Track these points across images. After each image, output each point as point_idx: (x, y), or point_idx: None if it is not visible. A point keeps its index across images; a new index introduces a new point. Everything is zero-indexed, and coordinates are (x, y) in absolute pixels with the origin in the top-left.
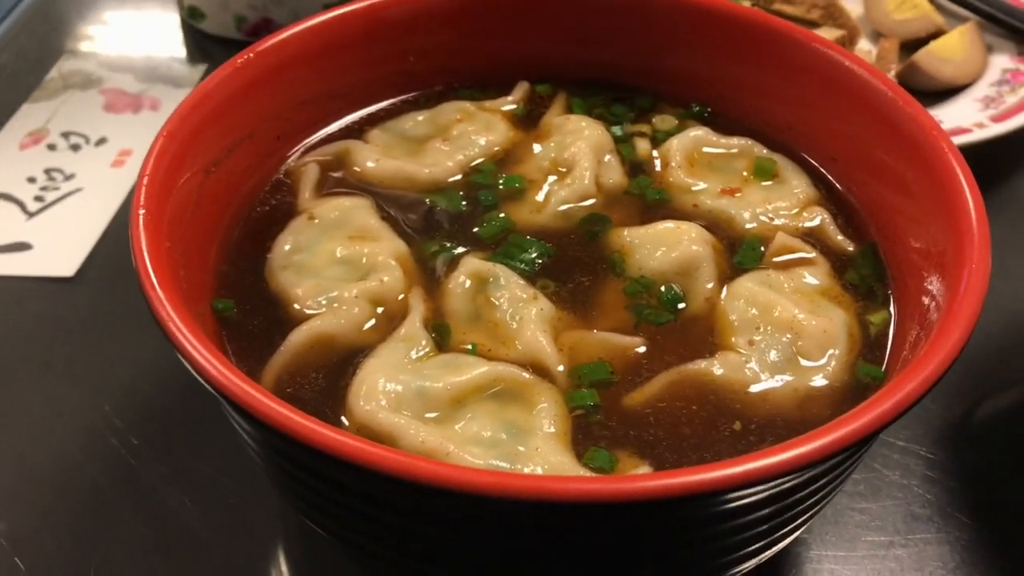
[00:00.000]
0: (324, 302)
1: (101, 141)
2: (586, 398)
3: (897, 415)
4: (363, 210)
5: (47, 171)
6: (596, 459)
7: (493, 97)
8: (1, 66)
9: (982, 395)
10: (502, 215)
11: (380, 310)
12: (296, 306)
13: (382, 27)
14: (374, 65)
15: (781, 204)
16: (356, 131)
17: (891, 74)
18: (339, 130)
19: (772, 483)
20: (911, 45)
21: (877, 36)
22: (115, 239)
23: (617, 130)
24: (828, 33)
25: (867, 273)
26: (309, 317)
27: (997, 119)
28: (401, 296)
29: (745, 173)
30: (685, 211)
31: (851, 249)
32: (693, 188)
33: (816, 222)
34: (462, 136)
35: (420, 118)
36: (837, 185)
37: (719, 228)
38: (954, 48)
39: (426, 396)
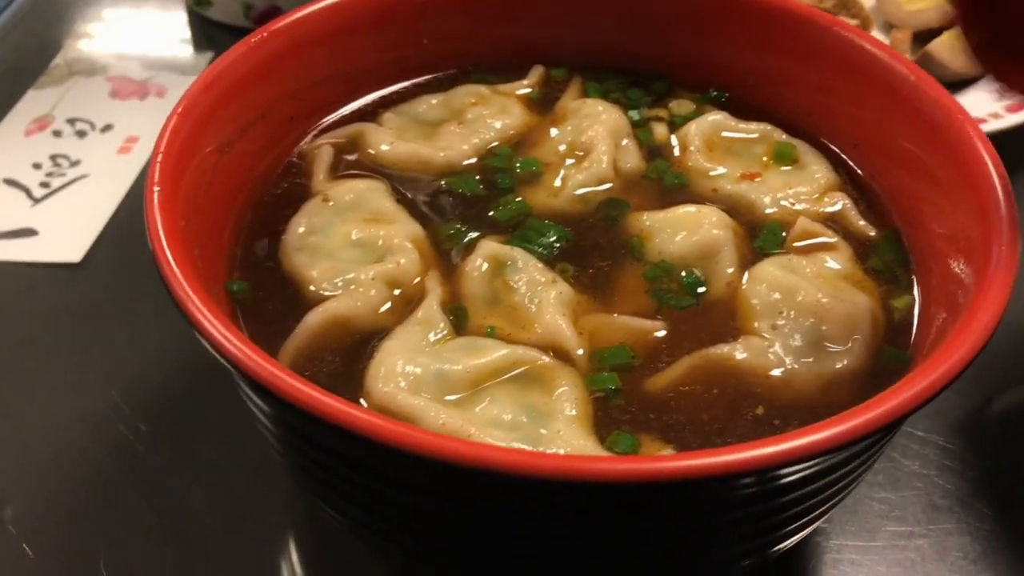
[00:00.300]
0: (340, 284)
1: (107, 127)
2: (607, 381)
3: (930, 397)
4: (378, 192)
5: (53, 157)
6: (620, 443)
7: (508, 81)
8: (6, 52)
9: (1001, 386)
10: (519, 199)
11: (397, 292)
12: (311, 288)
13: (396, 9)
14: (388, 47)
15: (802, 189)
16: (369, 114)
17: None
18: (352, 112)
19: (801, 465)
20: (924, 35)
21: (890, 27)
22: (122, 225)
23: (634, 114)
24: None
25: (890, 259)
26: (325, 299)
27: (1012, 109)
28: (417, 279)
29: (765, 158)
30: (704, 195)
31: (873, 234)
32: (712, 173)
33: (838, 207)
34: (477, 119)
35: (434, 101)
36: (858, 171)
37: (739, 213)
38: None
39: (445, 378)
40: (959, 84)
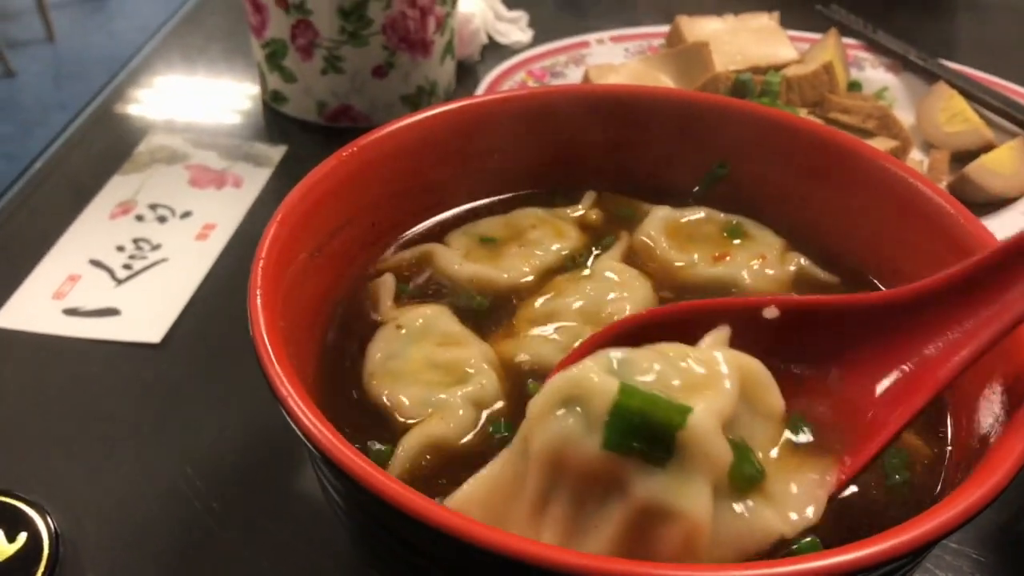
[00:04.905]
0: (430, 406)
1: (186, 214)
2: None
3: (965, 521)
4: (445, 316)
5: (135, 241)
6: None
7: (563, 205)
8: (97, 136)
9: None
10: None
11: (484, 413)
12: (400, 411)
13: (471, 127)
14: (462, 162)
15: (765, 258)
16: (443, 224)
17: (942, 185)
18: (429, 224)
19: None
20: (962, 157)
21: (929, 147)
22: (199, 309)
23: None
24: (882, 143)
25: None
26: (415, 421)
27: None
28: (499, 401)
29: (724, 234)
30: (688, 283)
31: (836, 282)
32: (686, 262)
33: (798, 265)
34: (536, 242)
35: (497, 222)
36: None
37: (724, 293)
38: (1004, 162)
39: None
40: (994, 206)
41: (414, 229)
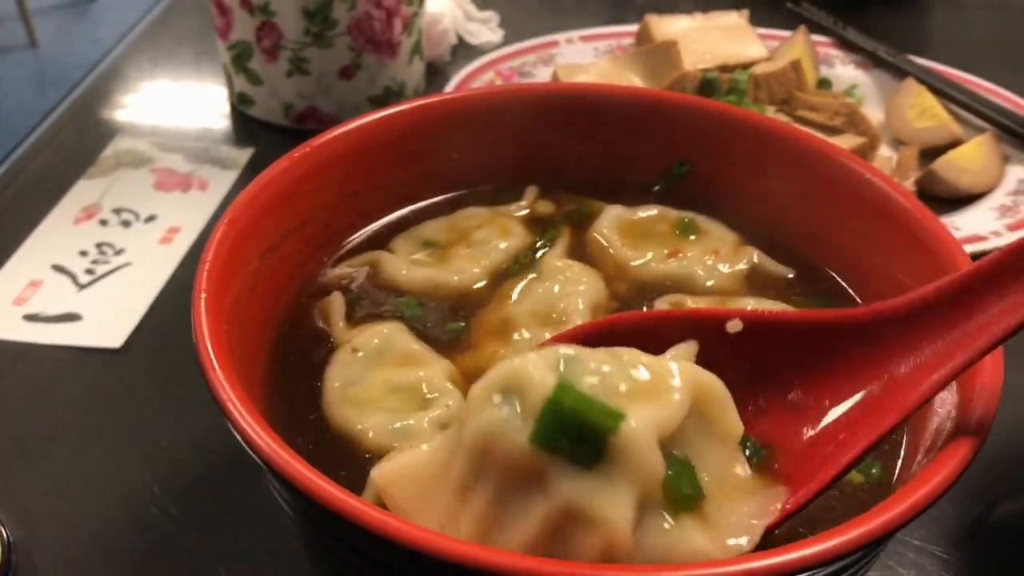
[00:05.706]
0: (395, 431)
1: (151, 218)
2: None
3: (914, 516)
4: (402, 334)
5: (98, 245)
6: None
7: (507, 202)
8: (61, 143)
9: (998, 496)
10: None
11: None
12: (364, 442)
13: (427, 126)
14: (417, 163)
15: (719, 253)
16: (395, 225)
17: (910, 181)
18: (383, 223)
19: None
20: (930, 152)
21: (897, 143)
22: (161, 313)
23: None
24: (849, 140)
25: None
26: (382, 446)
27: (1013, 228)
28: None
29: (677, 232)
30: (644, 281)
31: (790, 276)
32: (641, 260)
33: (755, 259)
34: (483, 241)
35: (441, 225)
36: (857, 299)
37: (678, 289)
38: (972, 157)
39: None
40: (962, 201)
41: (367, 229)
